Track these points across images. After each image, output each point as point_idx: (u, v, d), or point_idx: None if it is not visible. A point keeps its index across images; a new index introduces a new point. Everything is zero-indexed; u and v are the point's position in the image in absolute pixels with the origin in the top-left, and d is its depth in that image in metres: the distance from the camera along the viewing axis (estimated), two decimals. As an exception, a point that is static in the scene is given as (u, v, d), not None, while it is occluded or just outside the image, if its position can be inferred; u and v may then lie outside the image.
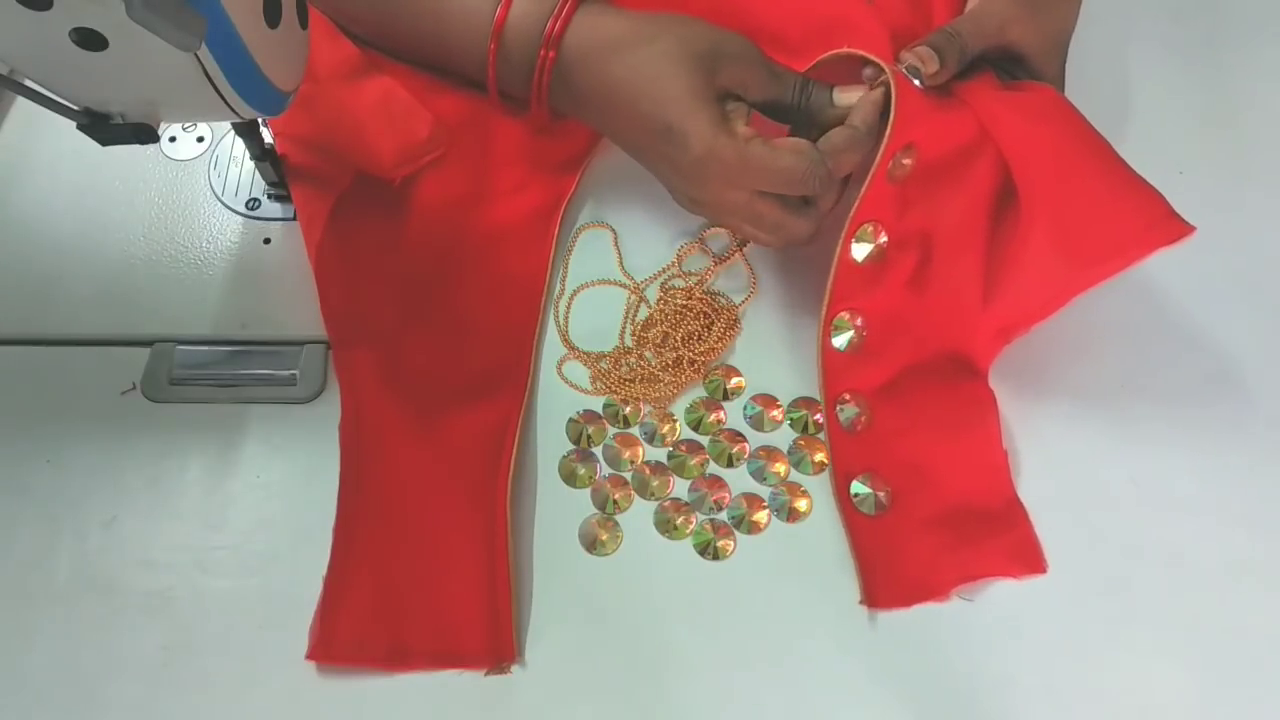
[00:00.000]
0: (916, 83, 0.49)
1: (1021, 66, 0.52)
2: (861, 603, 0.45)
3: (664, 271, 0.55)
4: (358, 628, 0.45)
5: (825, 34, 0.54)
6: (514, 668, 0.44)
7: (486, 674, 0.44)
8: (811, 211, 0.49)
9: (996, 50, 0.52)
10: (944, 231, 0.51)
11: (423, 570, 0.46)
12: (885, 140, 0.47)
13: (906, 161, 0.49)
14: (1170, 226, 0.44)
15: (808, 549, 0.47)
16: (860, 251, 0.50)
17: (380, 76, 0.55)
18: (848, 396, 0.50)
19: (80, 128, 0.41)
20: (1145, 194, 0.45)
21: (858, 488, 0.48)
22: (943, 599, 0.46)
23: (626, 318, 0.54)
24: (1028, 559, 0.47)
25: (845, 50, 0.51)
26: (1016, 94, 0.50)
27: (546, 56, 0.50)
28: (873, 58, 0.49)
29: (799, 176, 0.46)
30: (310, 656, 0.44)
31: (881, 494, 0.48)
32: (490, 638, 0.44)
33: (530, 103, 0.53)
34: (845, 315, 0.51)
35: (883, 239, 0.50)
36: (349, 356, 0.50)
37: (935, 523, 0.47)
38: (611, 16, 0.50)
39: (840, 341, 0.51)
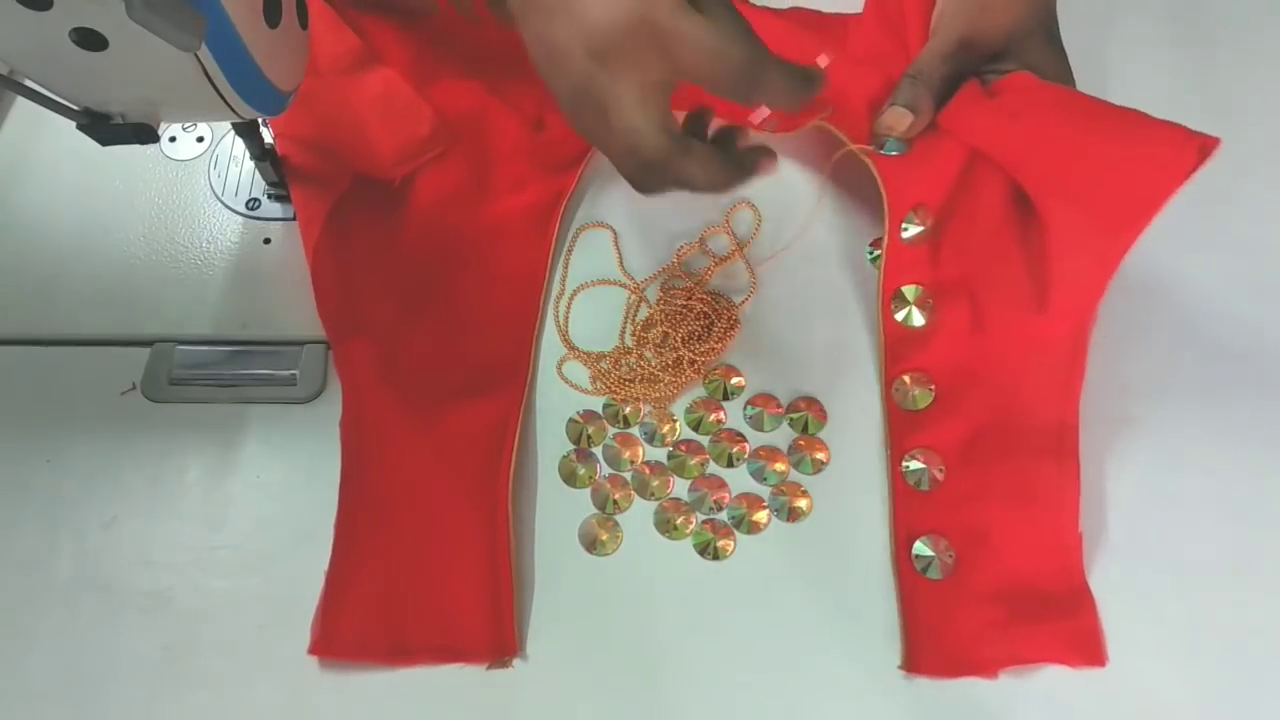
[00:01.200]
0: (895, 155, 0.51)
1: (1005, 61, 0.52)
2: (901, 667, 0.44)
3: (664, 271, 0.55)
4: (360, 623, 0.45)
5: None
6: (515, 666, 0.44)
7: (488, 668, 0.44)
8: (677, 149, 0.41)
9: (973, 59, 0.52)
10: (981, 263, 0.51)
11: (424, 565, 0.46)
12: (885, 216, 0.49)
13: (919, 223, 0.51)
14: (1188, 150, 0.42)
15: (808, 549, 0.47)
16: (904, 315, 0.51)
17: (382, 70, 0.55)
18: (917, 453, 0.49)
19: (80, 128, 0.41)
20: (1152, 130, 0.44)
21: (920, 549, 0.47)
22: (990, 677, 0.44)
23: (626, 318, 0.54)
24: (1087, 650, 0.44)
25: (821, 123, 0.53)
26: (996, 100, 0.50)
27: None
28: (846, 140, 0.51)
29: (734, 62, 0.39)
30: (313, 651, 0.44)
31: (946, 559, 0.46)
32: (492, 632, 0.45)
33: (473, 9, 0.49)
34: (907, 378, 0.50)
35: (919, 297, 0.51)
36: (348, 353, 0.50)
37: (994, 596, 0.45)
38: None
39: (909, 402, 0.50)
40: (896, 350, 0.51)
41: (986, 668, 0.44)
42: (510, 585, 0.45)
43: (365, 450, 0.48)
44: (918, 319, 0.51)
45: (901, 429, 0.50)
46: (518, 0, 0.41)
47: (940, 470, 0.48)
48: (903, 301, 0.52)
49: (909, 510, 0.48)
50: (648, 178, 0.43)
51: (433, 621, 0.45)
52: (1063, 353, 0.48)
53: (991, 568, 0.46)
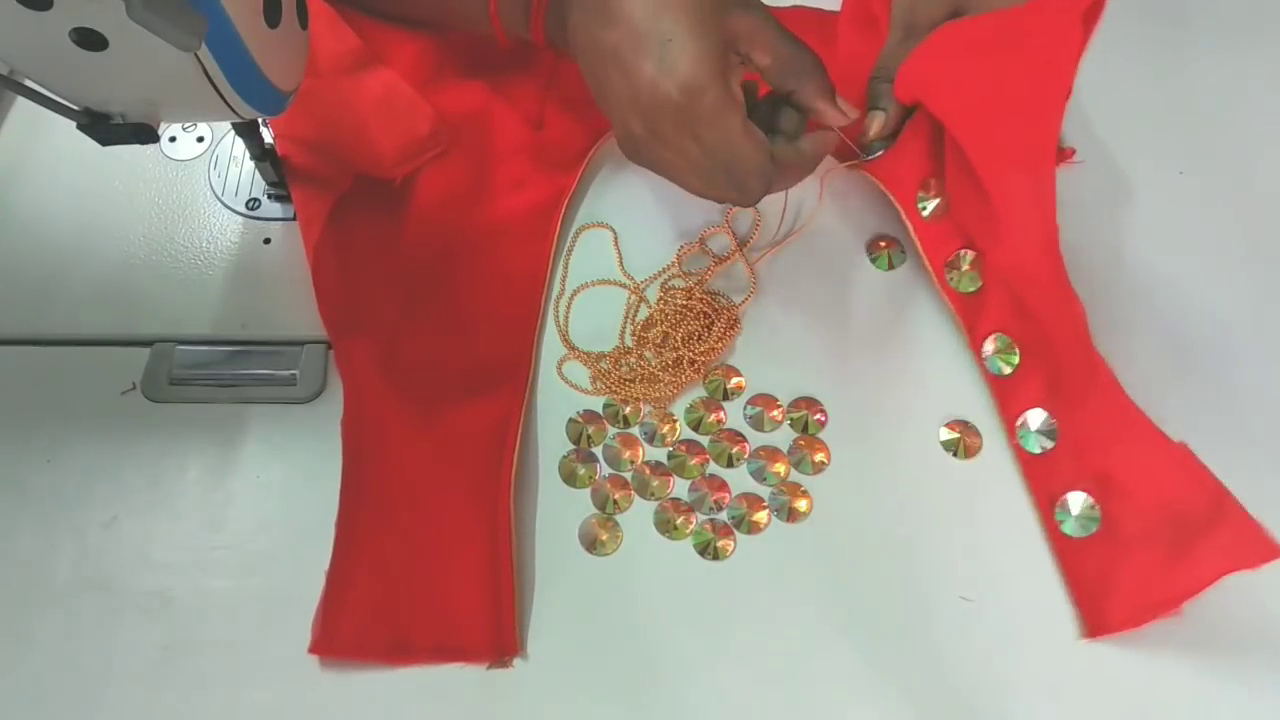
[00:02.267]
0: (881, 153, 0.53)
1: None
2: (1085, 635, 0.44)
3: (664, 271, 0.55)
4: (360, 621, 0.45)
5: None
6: (515, 664, 0.44)
7: (489, 667, 0.44)
8: (744, 194, 0.47)
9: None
10: (973, 218, 0.51)
11: (425, 564, 0.46)
12: (901, 214, 0.51)
13: (934, 196, 0.52)
14: (1070, 14, 0.43)
15: (808, 549, 0.47)
16: (959, 283, 0.52)
17: (382, 70, 0.55)
18: (1028, 420, 0.49)
19: (80, 128, 0.41)
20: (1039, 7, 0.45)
21: (1064, 511, 0.47)
22: (1175, 613, 0.44)
23: (626, 318, 0.54)
24: (1257, 546, 0.43)
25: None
26: (912, 57, 0.50)
27: None
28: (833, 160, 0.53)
29: (748, 169, 0.45)
30: (313, 650, 0.44)
31: (1092, 511, 0.46)
32: (493, 631, 0.45)
33: (532, 40, 0.51)
34: (991, 340, 0.51)
35: (970, 257, 0.52)
36: (349, 353, 0.50)
37: (1147, 533, 0.45)
38: None
39: (1001, 369, 0.50)
40: (969, 319, 0.51)
41: (1168, 605, 0.44)
42: (511, 585, 0.45)
43: (366, 450, 0.48)
44: (971, 284, 0.52)
45: (1005, 397, 0.50)
46: (586, 53, 0.45)
47: (1053, 426, 0.48)
48: (956, 268, 0.52)
49: (1040, 476, 0.48)
50: (749, 195, 0.47)
51: (433, 620, 0.45)
52: (1045, 275, 0.49)
53: (1133, 506, 0.46)
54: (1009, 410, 0.50)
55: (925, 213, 0.53)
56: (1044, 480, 0.48)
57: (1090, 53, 0.56)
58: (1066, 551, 0.46)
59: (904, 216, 0.53)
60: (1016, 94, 0.46)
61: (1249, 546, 0.43)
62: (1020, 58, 0.46)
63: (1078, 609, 0.45)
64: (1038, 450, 0.48)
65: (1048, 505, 0.47)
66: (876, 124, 0.52)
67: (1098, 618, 0.45)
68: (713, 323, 0.53)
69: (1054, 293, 0.49)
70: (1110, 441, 0.47)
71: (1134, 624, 0.44)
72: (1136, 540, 0.45)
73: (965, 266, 0.52)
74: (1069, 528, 0.46)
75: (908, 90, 0.51)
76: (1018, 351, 0.50)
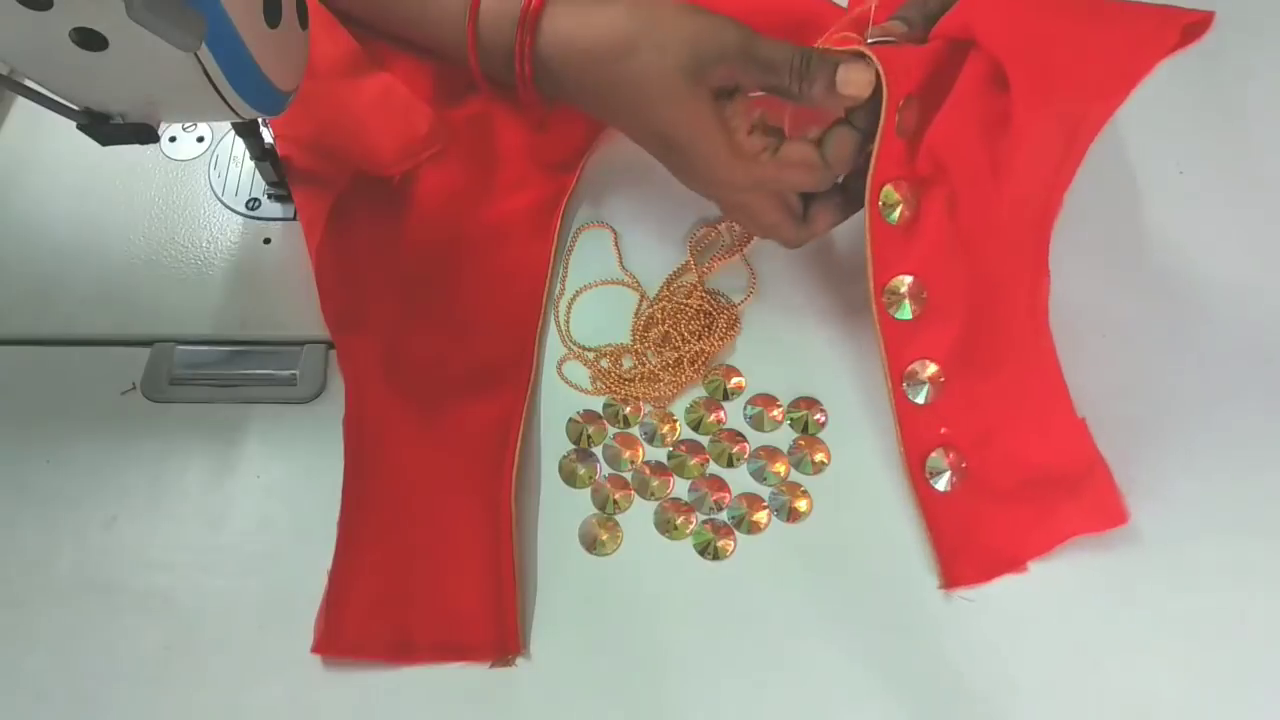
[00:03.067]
0: (891, 40, 0.47)
1: None
2: (941, 586, 0.45)
3: (664, 271, 0.55)
4: (363, 620, 0.45)
5: (797, 32, 0.54)
6: (517, 663, 0.44)
7: (491, 666, 0.44)
8: (806, 229, 0.50)
9: None
10: (959, 153, 0.48)
11: (427, 562, 0.46)
12: (884, 103, 0.45)
13: (909, 114, 0.48)
14: (1170, 27, 0.41)
15: (808, 549, 0.47)
16: (891, 214, 0.49)
17: (380, 73, 0.55)
18: (916, 370, 0.49)
19: (80, 128, 0.41)
20: (1140, 8, 0.43)
21: (934, 463, 0.47)
22: (1021, 570, 0.46)
23: (627, 317, 0.54)
24: (1108, 511, 0.46)
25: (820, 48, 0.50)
26: None
27: (524, 42, 0.49)
28: (846, 49, 0.47)
29: (805, 186, 0.48)
30: (316, 650, 0.44)
31: (960, 467, 0.47)
32: (495, 629, 0.45)
33: (518, 91, 0.52)
34: (899, 281, 0.49)
35: (905, 196, 0.48)
36: (351, 350, 0.50)
37: (1011, 492, 0.47)
38: (582, 11, 0.48)
39: (901, 311, 0.49)
40: (884, 253, 0.49)
41: (1017, 562, 0.45)
42: (513, 583, 0.45)
43: (368, 448, 0.48)
44: (899, 216, 0.48)
45: (898, 342, 0.49)
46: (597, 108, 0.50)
47: (941, 379, 0.48)
48: (890, 199, 0.48)
49: (915, 428, 0.48)
50: (783, 237, 0.51)
51: (436, 619, 0.45)
52: (1027, 240, 0.48)
53: (1003, 465, 0.47)
54: (900, 357, 0.49)
55: (899, 131, 0.48)
56: (919, 432, 0.48)
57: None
58: (931, 504, 0.47)
59: (883, 114, 0.47)
60: (1087, 66, 0.43)
61: (1103, 512, 0.46)
62: (1107, 38, 0.43)
63: (937, 562, 0.46)
64: (921, 401, 0.48)
65: (918, 458, 0.48)
66: (894, 32, 0.48)
67: (951, 569, 0.46)
68: (713, 323, 0.53)
69: (1026, 253, 0.48)
70: (997, 399, 0.48)
71: (985, 578, 0.46)
72: (1004, 496, 0.46)
73: (896, 200, 0.49)
74: (938, 481, 0.47)
75: (961, 17, 0.47)
76: (924, 300, 0.49)
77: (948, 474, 0.47)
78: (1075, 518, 0.46)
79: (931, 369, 0.49)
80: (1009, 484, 0.47)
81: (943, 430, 0.48)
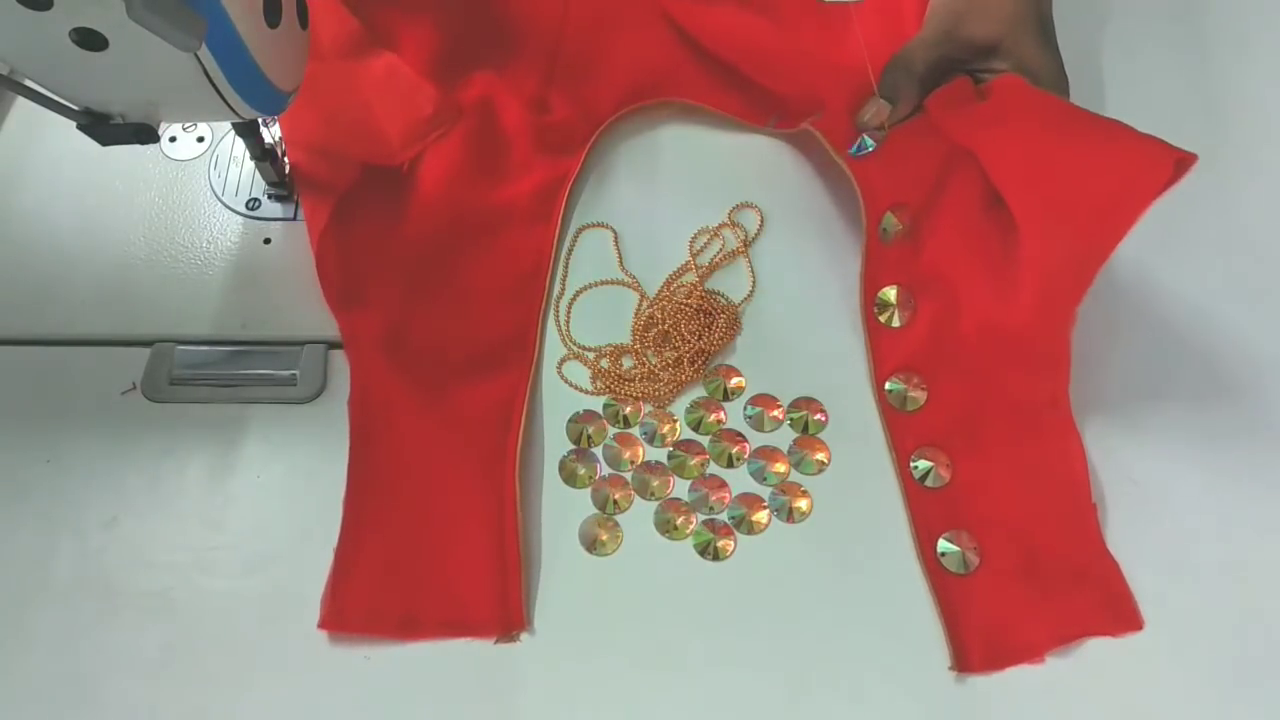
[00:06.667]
0: (870, 151, 0.52)
1: (997, 58, 0.53)
2: (952, 668, 0.44)
3: (667, 272, 0.55)
4: (369, 597, 0.45)
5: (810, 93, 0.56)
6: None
7: (496, 642, 0.44)
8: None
9: (961, 51, 0.52)
10: (961, 259, 0.51)
11: (433, 540, 0.47)
12: (863, 219, 0.50)
13: (898, 223, 0.51)
14: (1164, 164, 0.41)
15: (808, 549, 0.47)
16: (886, 317, 0.52)
17: (384, 53, 0.55)
18: (923, 452, 0.49)
19: (80, 128, 0.41)
20: (1131, 143, 0.44)
21: (944, 546, 0.47)
22: (1038, 661, 0.44)
23: (627, 317, 0.54)
24: (1123, 615, 0.45)
25: (807, 126, 0.54)
26: (986, 101, 0.51)
27: None
28: (826, 145, 0.53)
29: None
30: (322, 626, 0.44)
31: (970, 552, 0.46)
32: (499, 606, 0.45)
33: None
34: (899, 378, 0.51)
35: (900, 297, 0.52)
36: (355, 331, 0.50)
37: (1024, 578, 0.46)
38: None
39: (904, 404, 0.50)
40: (883, 352, 0.51)
41: (1032, 653, 0.44)
42: (518, 560, 0.46)
43: (373, 428, 0.49)
44: (899, 320, 0.52)
45: (901, 431, 0.50)
46: None
47: (947, 466, 0.48)
48: (885, 305, 0.52)
49: (924, 510, 0.48)
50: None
51: (441, 596, 0.45)
52: (1046, 341, 0.49)
53: (1016, 551, 0.46)
54: (905, 444, 0.49)
55: (884, 236, 0.52)
56: (930, 515, 0.48)
57: (1090, 51, 0.57)
58: (944, 587, 0.46)
59: (864, 227, 0.52)
60: (1086, 197, 0.45)
61: (1119, 615, 0.45)
62: (1102, 169, 0.44)
63: (949, 644, 0.45)
64: (928, 483, 0.48)
65: (929, 540, 0.47)
66: (873, 110, 0.52)
67: (967, 655, 0.44)
68: (713, 322, 0.53)
69: (1042, 354, 0.49)
70: (1011, 484, 0.48)
71: (999, 666, 0.44)
72: (1015, 582, 0.46)
73: (893, 301, 0.52)
74: (950, 563, 0.46)
75: (958, 129, 0.50)
76: (925, 392, 0.50)
77: (959, 557, 0.46)
78: (1089, 616, 0.45)
79: (940, 457, 0.49)
80: (1021, 570, 0.46)
81: (952, 516, 0.48)
